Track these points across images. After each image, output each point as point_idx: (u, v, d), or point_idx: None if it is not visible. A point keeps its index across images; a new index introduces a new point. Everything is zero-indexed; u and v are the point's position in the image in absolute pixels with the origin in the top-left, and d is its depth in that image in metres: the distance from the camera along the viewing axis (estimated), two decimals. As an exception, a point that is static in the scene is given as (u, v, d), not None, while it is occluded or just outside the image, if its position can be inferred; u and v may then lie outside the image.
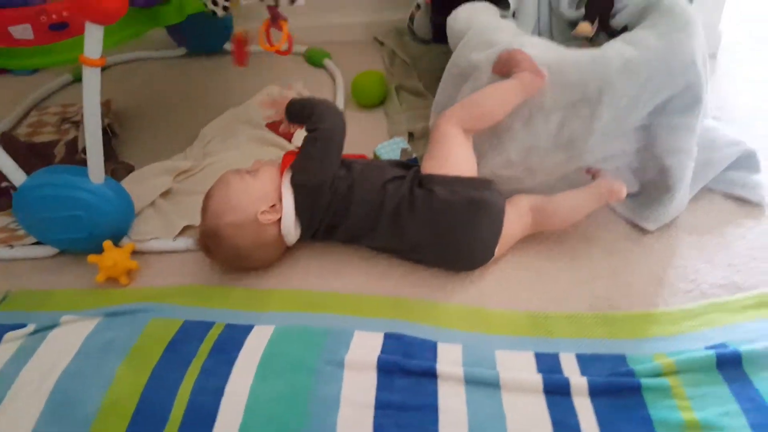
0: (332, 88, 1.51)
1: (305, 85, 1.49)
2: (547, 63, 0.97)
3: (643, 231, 1.01)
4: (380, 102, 1.42)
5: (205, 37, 1.66)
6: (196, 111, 1.43)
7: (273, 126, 1.32)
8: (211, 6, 1.04)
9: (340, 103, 1.42)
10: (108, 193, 0.97)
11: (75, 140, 1.34)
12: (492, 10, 1.16)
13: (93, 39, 0.81)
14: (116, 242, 1.00)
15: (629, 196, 1.06)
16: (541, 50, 0.99)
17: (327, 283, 0.95)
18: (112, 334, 0.87)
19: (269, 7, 1.03)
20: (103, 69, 1.48)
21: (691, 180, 1.03)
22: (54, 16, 0.90)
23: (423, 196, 0.91)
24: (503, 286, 0.93)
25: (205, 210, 0.94)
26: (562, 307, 0.89)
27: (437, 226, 0.91)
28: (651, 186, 1.03)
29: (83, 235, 0.97)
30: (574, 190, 0.98)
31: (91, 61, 0.83)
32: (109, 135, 1.33)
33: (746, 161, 1.08)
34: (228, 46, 1.73)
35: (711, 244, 0.98)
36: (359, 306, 0.91)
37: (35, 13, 0.89)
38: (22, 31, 0.90)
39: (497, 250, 0.94)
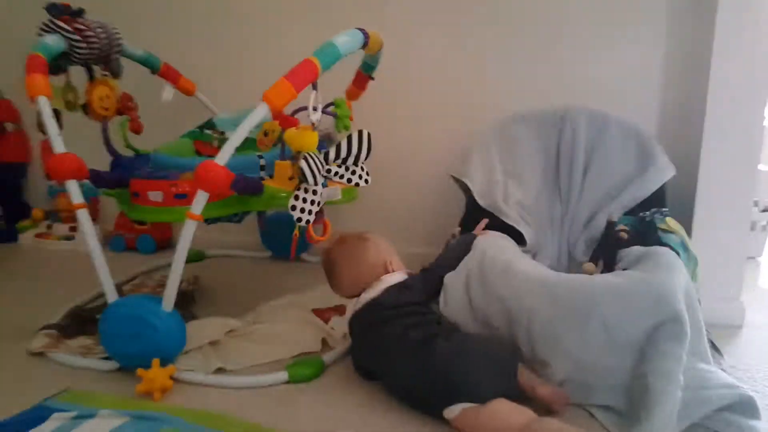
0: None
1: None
2: (540, 278, 1.17)
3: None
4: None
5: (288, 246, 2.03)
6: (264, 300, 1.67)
7: (318, 312, 1.56)
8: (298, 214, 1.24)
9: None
10: (171, 322, 1.21)
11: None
12: (512, 242, 1.42)
13: (199, 201, 1.14)
14: (162, 366, 1.20)
15: (616, 411, 1.11)
16: (537, 269, 1.20)
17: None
18: (131, 430, 1.03)
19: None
20: (202, 259, 1.92)
21: (679, 412, 1.05)
22: (180, 189, 1.27)
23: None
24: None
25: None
26: None
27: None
28: (635, 405, 1.08)
29: (140, 351, 1.19)
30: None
31: (193, 216, 1.15)
32: (187, 299, 1.63)
33: (745, 407, 1.09)
34: (306, 256, 2.11)
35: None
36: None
37: (168, 185, 1.27)
38: (155, 196, 1.28)
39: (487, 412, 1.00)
